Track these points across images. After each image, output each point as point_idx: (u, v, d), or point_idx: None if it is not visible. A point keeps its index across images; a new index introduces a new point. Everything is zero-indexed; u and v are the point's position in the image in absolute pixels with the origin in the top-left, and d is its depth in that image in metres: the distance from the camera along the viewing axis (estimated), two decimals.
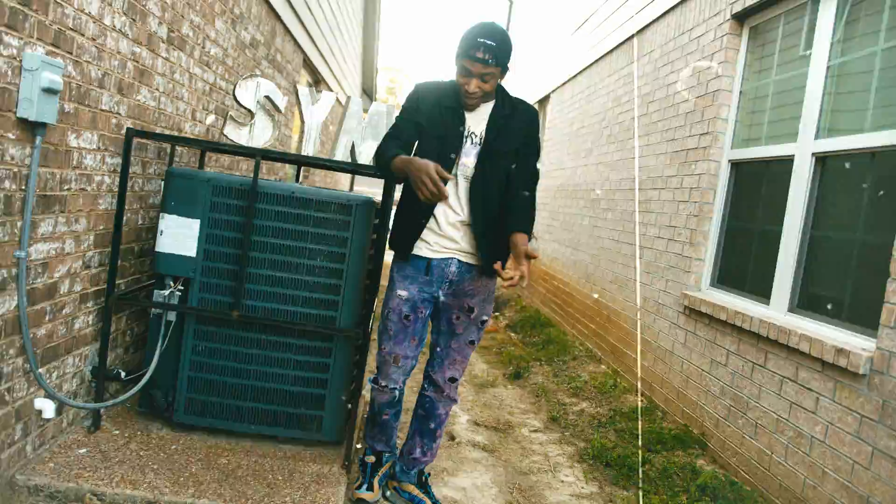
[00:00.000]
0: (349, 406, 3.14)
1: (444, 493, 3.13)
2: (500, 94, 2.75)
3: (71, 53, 2.49)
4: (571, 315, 6.93)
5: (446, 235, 2.71)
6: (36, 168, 2.32)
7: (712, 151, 4.37)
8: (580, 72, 8.04)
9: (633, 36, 6.18)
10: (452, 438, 3.83)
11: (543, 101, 10.16)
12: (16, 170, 2.26)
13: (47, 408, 2.61)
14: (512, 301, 8.76)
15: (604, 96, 6.95)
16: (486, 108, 2.72)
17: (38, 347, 2.56)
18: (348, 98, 3.45)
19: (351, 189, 7.71)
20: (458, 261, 2.73)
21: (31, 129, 2.28)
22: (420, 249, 2.73)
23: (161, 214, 3.01)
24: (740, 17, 4.31)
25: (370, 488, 2.97)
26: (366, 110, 3.45)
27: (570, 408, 4.61)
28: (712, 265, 4.35)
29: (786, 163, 3.69)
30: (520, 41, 13.00)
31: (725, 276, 4.25)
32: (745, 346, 3.58)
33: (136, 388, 2.99)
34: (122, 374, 3.09)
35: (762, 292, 3.74)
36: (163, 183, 3.27)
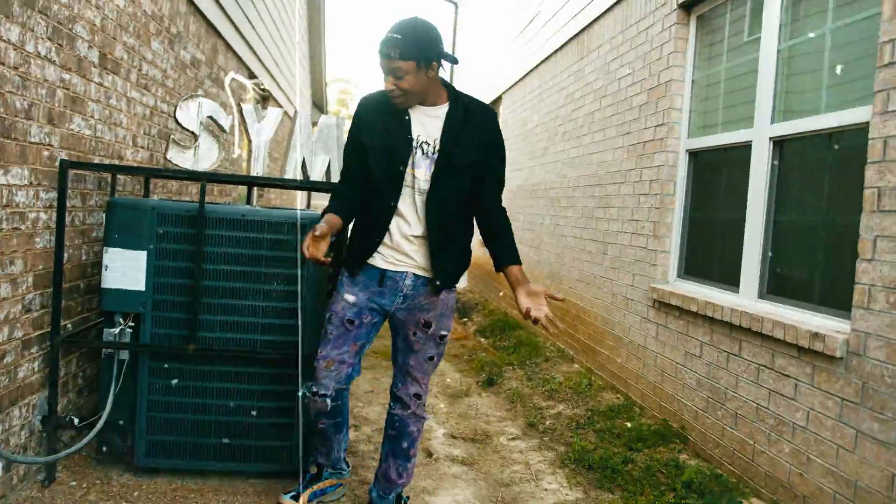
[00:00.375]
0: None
1: None
2: (453, 96, 2.58)
3: None
4: None
5: (399, 249, 2.56)
6: None
7: (669, 142, 4.34)
8: (530, 71, 8.01)
9: (580, 32, 6.16)
10: (430, 454, 3.71)
11: (495, 102, 10.12)
12: None
13: None
14: (479, 306, 8.68)
15: (556, 94, 6.92)
16: (439, 113, 2.55)
17: None
18: (296, 112, 3.33)
19: (308, 205, 7.56)
20: (414, 275, 2.59)
21: None
22: (374, 259, 2.58)
23: (105, 248, 2.85)
24: (687, 7, 4.29)
25: (296, 498, 2.80)
26: (315, 123, 3.34)
27: (546, 411, 4.53)
28: (678, 256, 4.32)
29: (744, 149, 3.67)
30: (468, 44, 12.98)
31: (692, 267, 4.22)
32: (719, 336, 3.54)
33: (90, 435, 2.82)
34: (76, 420, 2.92)
35: (731, 281, 3.71)
36: (105, 215, 3.10)
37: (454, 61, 2.58)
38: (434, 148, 2.52)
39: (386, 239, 2.57)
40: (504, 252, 2.59)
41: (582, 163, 5.91)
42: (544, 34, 7.40)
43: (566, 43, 6.60)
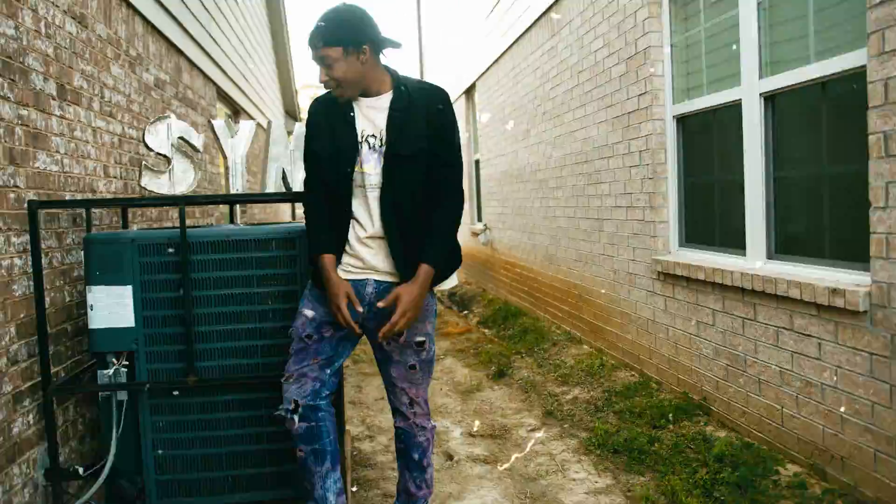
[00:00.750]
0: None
1: None
2: (397, 82, 2.42)
3: None
4: (541, 300, 6.77)
5: (356, 254, 2.40)
6: None
7: (654, 110, 4.23)
8: (502, 54, 7.88)
9: (549, 9, 6.03)
10: (450, 457, 3.60)
11: (469, 90, 9.99)
12: None
13: None
14: (479, 297, 8.57)
15: (530, 75, 6.79)
16: (383, 103, 2.39)
17: None
18: (269, 123, 3.20)
19: (293, 217, 7.42)
20: (375, 281, 2.41)
21: None
22: (339, 271, 2.42)
23: (87, 287, 2.71)
24: None
25: None
26: (290, 133, 3.21)
27: (562, 397, 4.43)
28: (677, 225, 4.22)
29: (734, 108, 3.57)
30: (435, 35, 12.83)
31: (694, 234, 4.12)
32: (731, 302, 3.44)
33: (98, 483, 2.69)
34: (80, 469, 2.79)
35: (736, 244, 3.61)
36: (84, 252, 2.97)
37: (395, 45, 2.41)
38: (381, 140, 2.36)
39: (346, 247, 2.42)
40: (423, 247, 2.37)
41: (566, 141, 5.80)
42: (512, 15, 7.27)
43: (536, 21, 6.48)
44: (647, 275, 4.37)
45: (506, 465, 3.46)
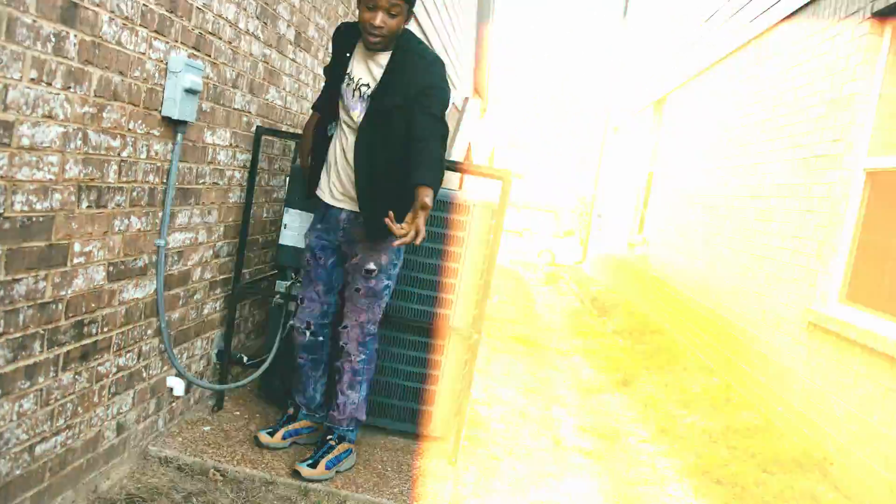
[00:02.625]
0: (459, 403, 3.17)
1: (548, 498, 3.12)
2: (402, 44, 2.60)
3: (210, 56, 2.64)
4: (683, 324, 6.71)
5: (338, 183, 2.71)
6: (176, 163, 2.47)
7: (846, 159, 4.12)
8: (700, 73, 7.76)
9: (758, 36, 5.91)
10: (558, 443, 3.79)
11: (659, 101, 9.88)
12: (159, 164, 2.42)
13: (178, 386, 2.78)
14: (620, 306, 8.58)
15: (725, 99, 6.68)
16: (384, 59, 2.60)
17: (171, 329, 2.73)
18: (466, 99, 3.49)
19: (459, 187, 7.79)
20: (348, 210, 2.71)
21: (174, 126, 2.44)
22: (322, 193, 2.77)
23: (285, 208, 3.14)
24: (882, 15, 4.03)
25: (272, 434, 2.90)
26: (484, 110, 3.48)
27: (679, 420, 4.47)
28: (841, 281, 4.10)
29: None
30: (635, 38, 12.70)
31: (857, 293, 4.00)
32: (877, 369, 3.35)
33: (256, 373, 3.13)
34: (245, 358, 3.25)
35: None
36: (286, 178, 3.41)
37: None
38: (370, 90, 2.60)
39: (332, 171, 2.74)
40: (413, 173, 2.41)
41: (746, 173, 5.70)
42: (719, 36, 7.14)
43: (742, 47, 6.35)
44: (796, 322, 4.29)
45: (608, 465, 3.61)
